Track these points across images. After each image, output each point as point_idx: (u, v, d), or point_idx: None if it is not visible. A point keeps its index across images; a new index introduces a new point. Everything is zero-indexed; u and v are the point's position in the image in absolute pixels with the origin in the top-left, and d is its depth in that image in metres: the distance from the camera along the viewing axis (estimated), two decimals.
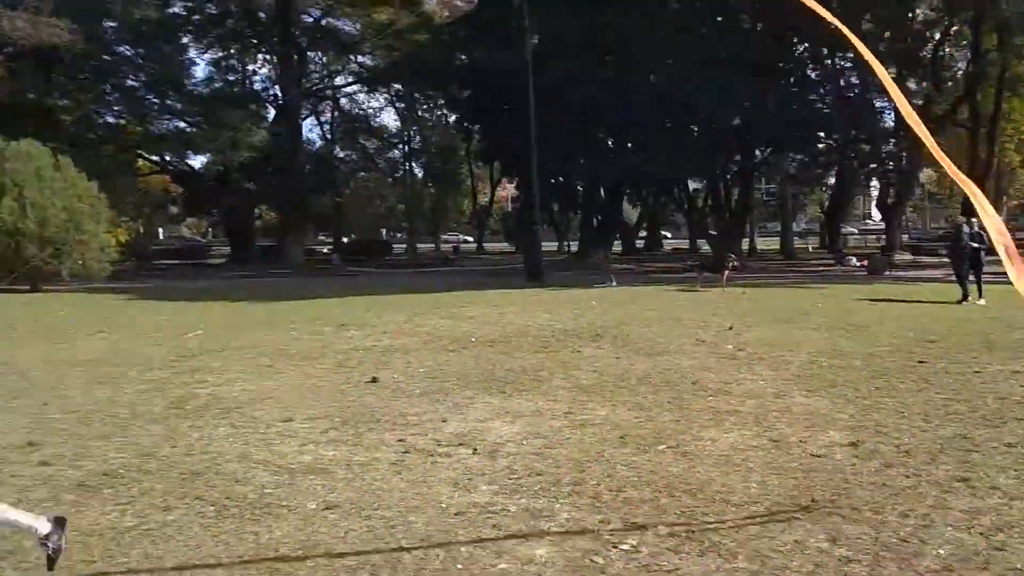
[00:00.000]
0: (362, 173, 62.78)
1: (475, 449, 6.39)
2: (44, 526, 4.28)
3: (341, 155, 59.17)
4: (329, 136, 58.42)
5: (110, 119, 46.77)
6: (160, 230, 73.22)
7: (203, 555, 4.46)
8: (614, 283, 23.36)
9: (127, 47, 44.51)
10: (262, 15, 47.11)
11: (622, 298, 19.10)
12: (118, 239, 29.77)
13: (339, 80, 54.95)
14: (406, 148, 60.86)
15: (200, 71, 53.46)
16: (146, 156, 49.56)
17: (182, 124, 46.50)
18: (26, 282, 25.78)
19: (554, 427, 7.02)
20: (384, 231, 72.40)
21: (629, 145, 39.72)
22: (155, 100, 45.94)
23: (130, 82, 45.34)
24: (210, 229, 74.50)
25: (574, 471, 5.77)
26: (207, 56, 50.43)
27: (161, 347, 12.43)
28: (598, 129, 38.67)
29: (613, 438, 6.61)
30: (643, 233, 58.67)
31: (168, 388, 9.07)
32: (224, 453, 6.39)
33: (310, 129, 56.67)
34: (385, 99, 57.16)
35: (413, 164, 62.31)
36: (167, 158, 49.75)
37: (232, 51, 49.88)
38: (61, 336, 14.43)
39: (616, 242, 48.00)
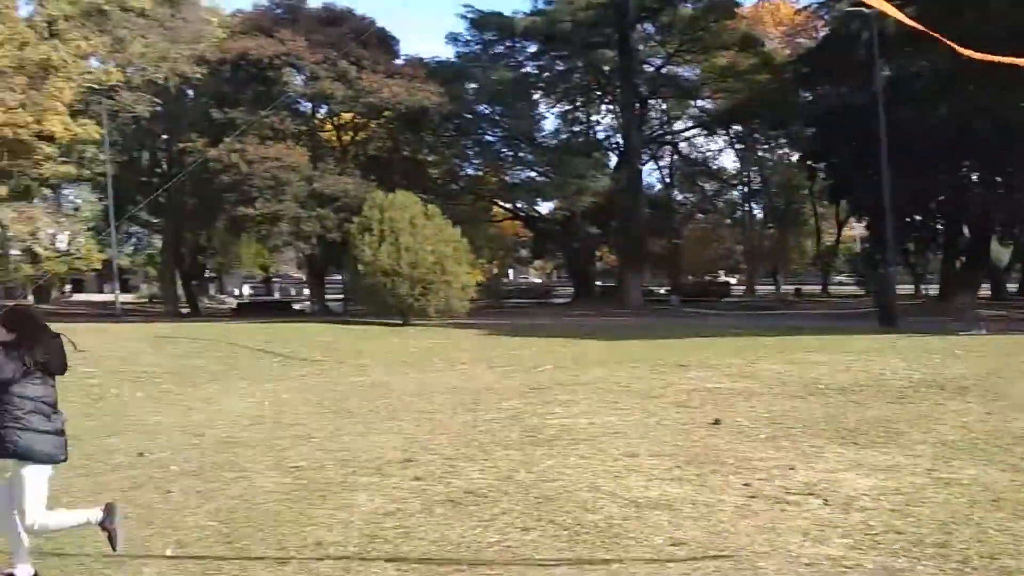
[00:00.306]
0: (700, 215, 62.80)
1: (826, 500, 6.10)
2: (97, 515, 4.84)
3: (679, 198, 59.70)
4: (668, 180, 59.17)
5: (470, 171, 51.38)
6: (510, 271, 78.33)
7: (557, 575, 4.72)
8: (983, 331, 21.09)
9: (486, 106, 48.68)
10: (606, 68, 49.25)
11: (993, 348, 17.19)
12: (475, 279, 32.34)
13: (679, 125, 55.67)
14: (745, 189, 59.94)
15: (549, 124, 57.06)
16: (501, 204, 53.56)
17: (533, 174, 49.84)
18: (398, 316, 28.92)
19: (915, 484, 6.50)
20: (722, 272, 71.51)
21: (998, 179, 35.83)
22: (509, 153, 49.82)
23: (488, 137, 49.58)
24: (555, 270, 78.34)
25: (938, 532, 5.32)
26: (555, 110, 53.83)
27: (514, 379, 13.33)
28: (960, 162, 35.36)
29: (984, 500, 5.99)
30: (1018, 276, 52.48)
31: (522, 417, 9.70)
32: (575, 482, 6.71)
33: (649, 174, 57.83)
34: (724, 141, 56.84)
35: (752, 205, 61.18)
36: (519, 205, 53.33)
37: (578, 104, 52.76)
38: (428, 365, 16.00)
39: (984, 285, 43.34)
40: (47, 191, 41.70)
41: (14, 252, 37.58)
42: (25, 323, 4.84)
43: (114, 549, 4.85)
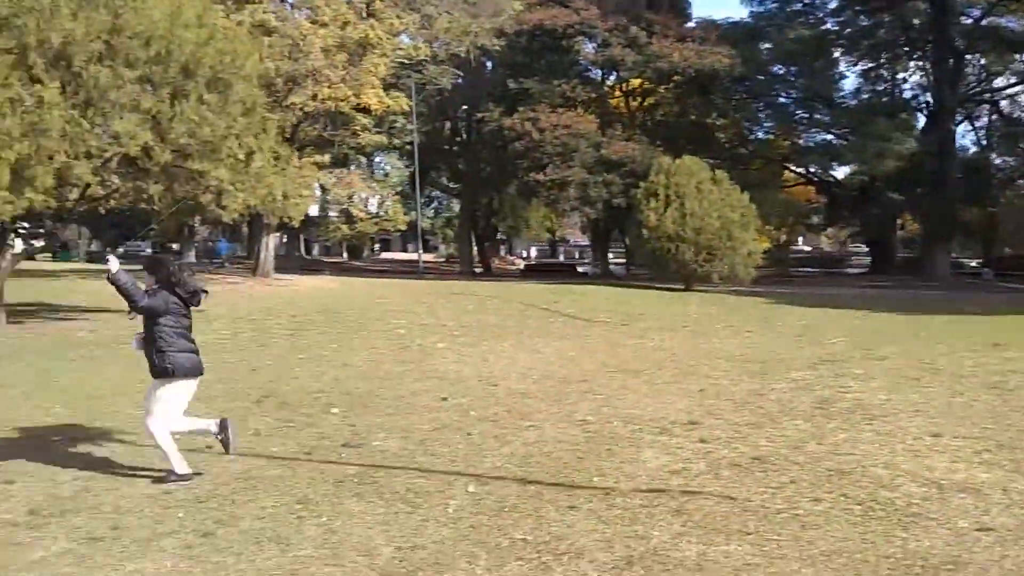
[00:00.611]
0: (1021, 181, 56.22)
1: None
2: (214, 426, 6.15)
3: (998, 162, 53.74)
4: (985, 142, 53.45)
5: (760, 135, 49.62)
6: (800, 238, 74.98)
7: (850, 548, 4.58)
8: None
9: (780, 67, 46.66)
10: (916, 21, 45.32)
11: None
12: (763, 246, 31.44)
13: (999, 82, 50.03)
14: None
15: (848, 83, 53.35)
16: (792, 168, 51.30)
17: (829, 136, 47.23)
18: (680, 281, 28.85)
19: None
20: None
21: None
22: (804, 115, 47.47)
23: (781, 99, 47.56)
24: (848, 239, 73.89)
25: None
26: (856, 68, 50.32)
27: (803, 350, 12.88)
28: None
29: None
30: None
31: (812, 389, 9.37)
32: (870, 457, 6.42)
33: (963, 136, 52.51)
34: None
35: None
36: (812, 169, 50.80)
37: (882, 61, 49.00)
38: (712, 331, 15.85)
39: None
40: (362, 159, 45.85)
41: (332, 214, 41.75)
42: (162, 269, 5.96)
43: (227, 452, 6.29)
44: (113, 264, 5.71)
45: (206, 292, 6.17)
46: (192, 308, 6.03)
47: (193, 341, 5.95)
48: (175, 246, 63.47)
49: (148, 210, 18.09)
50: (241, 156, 14.58)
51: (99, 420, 7.75)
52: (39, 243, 19.23)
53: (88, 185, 14.12)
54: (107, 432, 7.27)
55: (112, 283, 5.68)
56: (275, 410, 8.37)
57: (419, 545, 4.67)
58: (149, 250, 67.16)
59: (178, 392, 5.88)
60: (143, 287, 5.90)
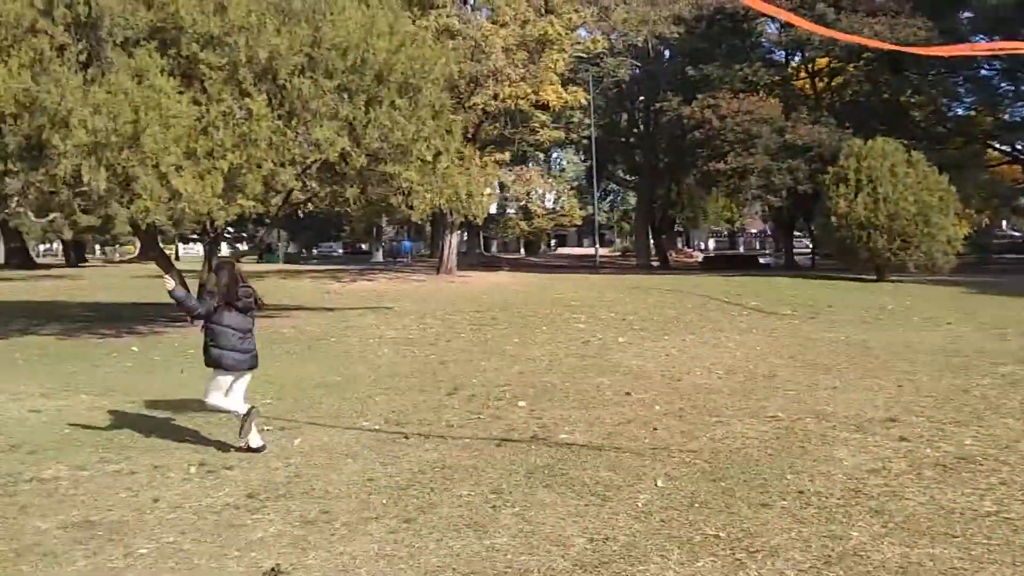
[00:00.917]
0: None
1: None
2: (243, 408, 6.58)
3: None
4: None
5: (959, 111, 46.35)
6: (1004, 222, 69.53)
7: None
8: None
9: (983, 36, 43.36)
10: None
11: None
12: (963, 232, 29.38)
13: None
14: None
15: None
16: (996, 146, 47.62)
17: None
18: (872, 271, 27.44)
19: None
20: None
21: None
22: (1009, 87, 43.89)
23: (983, 71, 44.18)
24: None
25: None
26: None
27: (1010, 343, 12.04)
28: None
29: None
30: None
31: (1022, 385, 8.76)
32: None
33: None
34: None
35: None
36: (1018, 147, 46.96)
37: None
38: (908, 324, 15.07)
39: None
40: (539, 155, 46.48)
41: (511, 211, 42.57)
42: (224, 275, 6.76)
43: (239, 436, 6.68)
44: (169, 283, 6.85)
45: (260, 304, 6.95)
46: (251, 312, 6.80)
47: (241, 340, 6.65)
48: (364, 246, 66.77)
49: (341, 212, 19.15)
50: (429, 158, 15.17)
51: (305, 410, 8.32)
52: (244, 246, 20.74)
53: (291, 190, 15.13)
54: (314, 420, 7.82)
55: (172, 298, 6.82)
56: (465, 402, 8.70)
57: (611, 537, 4.77)
58: (340, 251, 71.00)
59: (220, 379, 6.64)
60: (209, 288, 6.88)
